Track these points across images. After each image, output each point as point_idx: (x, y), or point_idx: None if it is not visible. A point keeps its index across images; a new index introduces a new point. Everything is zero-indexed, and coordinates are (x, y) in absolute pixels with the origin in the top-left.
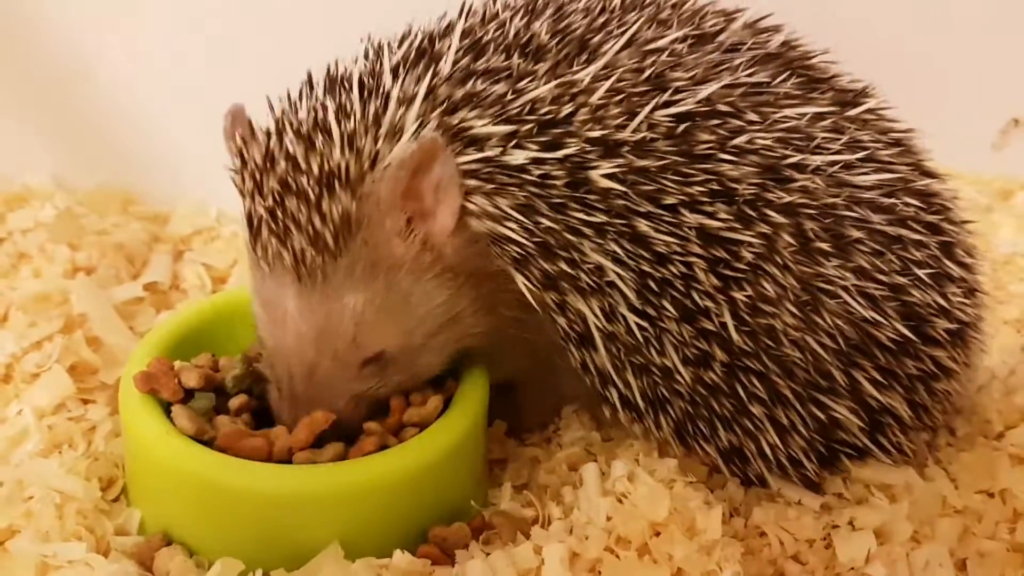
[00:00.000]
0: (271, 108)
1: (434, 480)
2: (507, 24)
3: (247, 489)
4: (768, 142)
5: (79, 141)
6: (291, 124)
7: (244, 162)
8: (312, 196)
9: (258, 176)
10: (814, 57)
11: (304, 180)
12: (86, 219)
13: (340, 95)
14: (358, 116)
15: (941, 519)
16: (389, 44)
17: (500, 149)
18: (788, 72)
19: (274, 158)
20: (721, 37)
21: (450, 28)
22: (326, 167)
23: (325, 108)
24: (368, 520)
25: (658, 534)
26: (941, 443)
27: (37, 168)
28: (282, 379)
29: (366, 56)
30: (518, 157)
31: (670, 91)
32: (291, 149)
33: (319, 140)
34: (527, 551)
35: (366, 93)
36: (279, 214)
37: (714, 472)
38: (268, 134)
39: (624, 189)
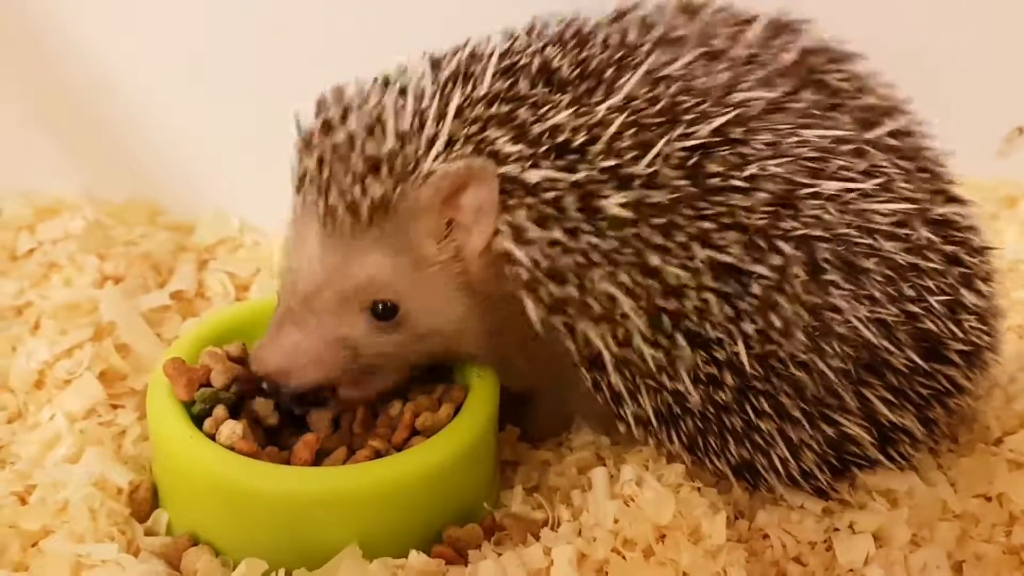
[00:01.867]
0: (340, 97)
1: (448, 483)
2: (537, 55)
3: (270, 492)
4: (782, 169)
5: (107, 155)
6: (358, 108)
7: (300, 129)
8: (360, 168)
9: (313, 138)
10: (839, 65)
11: (355, 155)
12: (114, 230)
13: (399, 99)
14: (409, 120)
15: (940, 523)
16: (442, 58)
17: (519, 167)
18: (809, 86)
19: (333, 127)
20: (735, 51)
21: (490, 54)
22: (378, 152)
23: (386, 107)
24: (385, 521)
25: (663, 537)
26: (943, 449)
27: (67, 181)
28: (283, 296)
29: (421, 67)
30: (534, 176)
31: (683, 123)
32: (352, 127)
33: (377, 129)
34: (537, 552)
35: (415, 102)
36: (324, 170)
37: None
38: (332, 108)
39: (635, 217)
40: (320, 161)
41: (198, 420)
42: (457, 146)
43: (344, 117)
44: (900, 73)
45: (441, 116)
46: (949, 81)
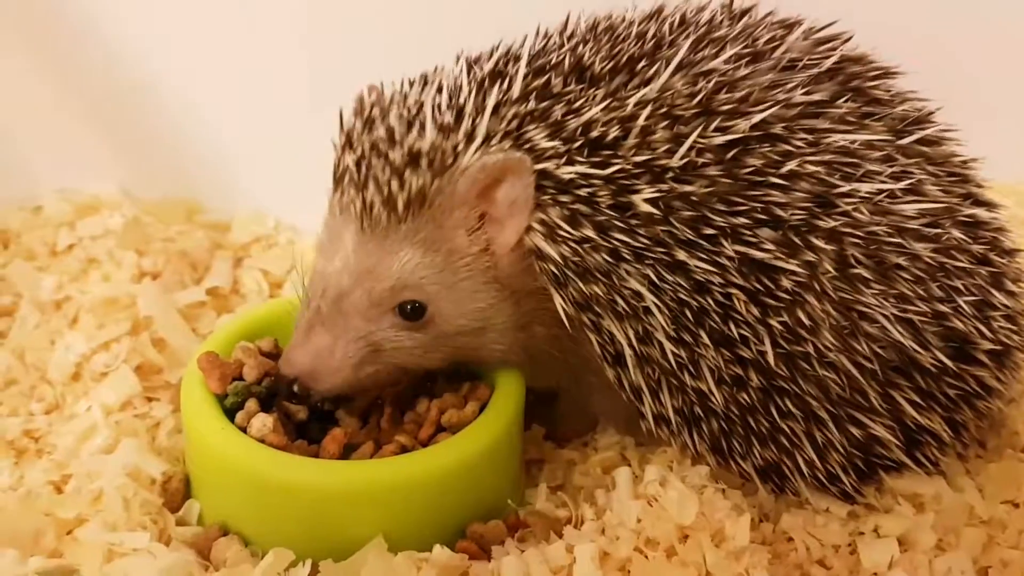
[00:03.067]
0: (380, 94)
1: (472, 479)
2: (569, 52)
3: (298, 484)
4: (818, 168)
5: (146, 154)
6: (398, 105)
7: (343, 125)
8: (398, 163)
9: (354, 135)
10: (876, 75)
11: (394, 150)
12: (152, 227)
13: (437, 96)
14: (447, 116)
15: (966, 528)
16: (478, 59)
17: (554, 164)
18: (846, 93)
19: (374, 124)
20: (777, 53)
21: (525, 53)
22: (417, 146)
23: (425, 104)
24: (410, 515)
25: (686, 537)
26: (971, 454)
27: (106, 179)
28: (313, 296)
29: (458, 67)
30: (569, 172)
31: (720, 116)
32: (392, 123)
33: (417, 124)
34: (560, 549)
35: (453, 99)
36: (363, 167)
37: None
38: (373, 106)
39: (663, 215)
40: (360, 157)
41: (230, 413)
42: (495, 140)
43: (384, 114)
44: (933, 79)
45: (479, 112)
46: (981, 87)
